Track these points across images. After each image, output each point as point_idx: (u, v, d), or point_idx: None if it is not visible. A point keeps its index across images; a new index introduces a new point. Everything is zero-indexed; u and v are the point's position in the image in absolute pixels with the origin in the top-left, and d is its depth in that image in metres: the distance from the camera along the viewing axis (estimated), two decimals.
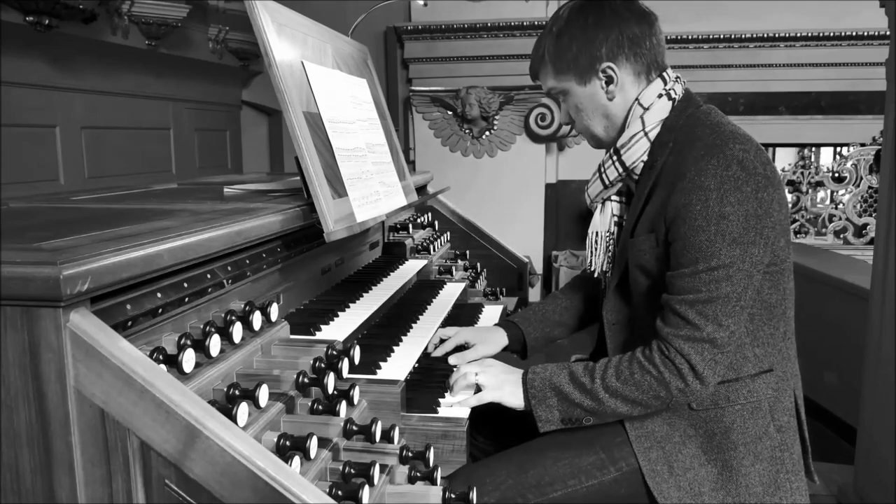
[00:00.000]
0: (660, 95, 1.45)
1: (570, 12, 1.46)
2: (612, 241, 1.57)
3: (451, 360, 1.65)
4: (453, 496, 1.19)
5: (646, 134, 1.44)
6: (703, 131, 1.37)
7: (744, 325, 1.37)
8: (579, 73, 1.46)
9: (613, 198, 1.57)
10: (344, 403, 1.19)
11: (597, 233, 1.60)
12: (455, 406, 1.41)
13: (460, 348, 1.71)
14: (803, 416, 1.48)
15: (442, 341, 1.72)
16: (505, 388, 1.46)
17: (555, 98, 1.55)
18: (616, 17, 1.42)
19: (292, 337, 1.37)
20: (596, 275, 1.62)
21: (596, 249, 1.60)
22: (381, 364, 1.43)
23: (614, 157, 1.49)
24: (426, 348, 1.66)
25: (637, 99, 1.45)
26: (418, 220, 2.63)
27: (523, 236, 5.25)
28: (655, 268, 1.40)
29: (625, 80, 1.45)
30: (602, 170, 1.53)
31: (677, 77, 1.48)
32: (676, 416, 1.42)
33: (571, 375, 1.41)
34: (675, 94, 1.45)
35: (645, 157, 1.45)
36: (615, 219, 1.57)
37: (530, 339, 1.80)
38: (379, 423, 1.19)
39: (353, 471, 1.10)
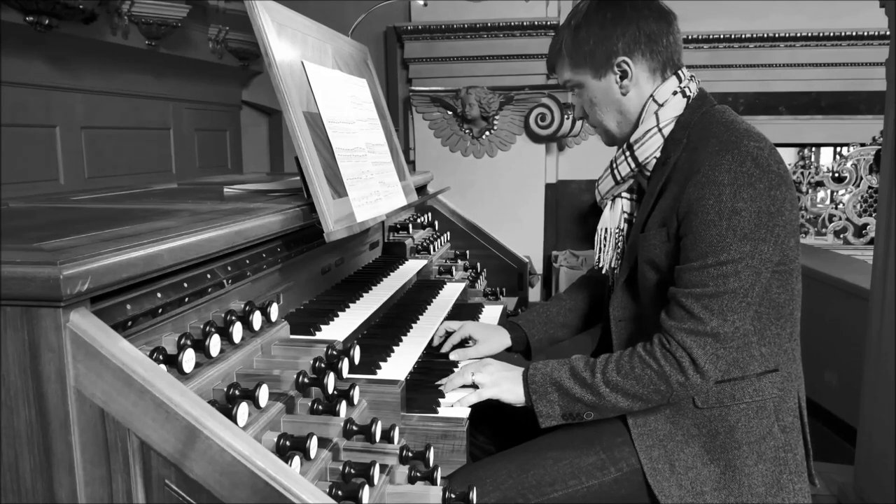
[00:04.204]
0: (675, 93, 1.45)
1: (590, 7, 1.47)
2: (621, 237, 1.57)
3: (453, 355, 1.67)
4: (453, 496, 1.19)
5: (660, 130, 1.44)
6: (718, 128, 1.38)
7: (751, 324, 1.37)
8: (595, 66, 1.47)
9: (624, 195, 1.57)
10: (344, 403, 1.19)
11: (606, 229, 1.60)
12: (455, 404, 1.42)
13: (463, 343, 1.72)
14: (806, 418, 1.48)
15: (448, 333, 1.73)
16: (503, 385, 1.46)
17: (570, 90, 1.56)
18: (635, 13, 1.43)
19: (292, 337, 1.37)
20: (604, 271, 1.62)
21: (605, 246, 1.60)
22: (381, 364, 1.43)
23: (627, 153, 1.49)
24: (430, 342, 1.66)
25: (652, 95, 1.46)
26: (418, 220, 2.62)
27: (523, 236, 5.24)
28: (665, 263, 1.41)
29: (640, 76, 1.45)
30: (614, 165, 1.53)
31: (692, 76, 1.49)
32: (680, 414, 1.42)
33: (572, 370, 1.42)
34: (690, 91, 1.46)
35: (658, 154, 1.45)
36: (625, 216, 1.57)
37: (534, 340, 1.81)
38: (379, 423, 1.19)
39: (353, 471, 1.10)
